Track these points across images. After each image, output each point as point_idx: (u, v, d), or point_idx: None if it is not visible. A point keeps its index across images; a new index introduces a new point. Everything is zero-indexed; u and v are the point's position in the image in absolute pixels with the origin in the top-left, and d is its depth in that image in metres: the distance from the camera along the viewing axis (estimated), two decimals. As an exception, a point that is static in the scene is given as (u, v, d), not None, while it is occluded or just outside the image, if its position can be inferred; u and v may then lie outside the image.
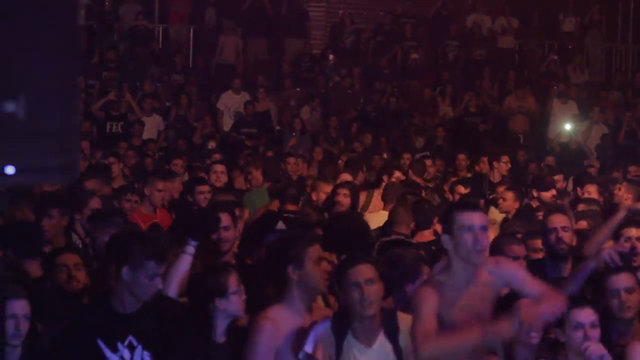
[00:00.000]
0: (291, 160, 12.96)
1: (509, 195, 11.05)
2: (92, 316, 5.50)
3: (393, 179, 11.36)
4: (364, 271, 5.25)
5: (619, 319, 6.02)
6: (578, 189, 11.56)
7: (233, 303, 5.52)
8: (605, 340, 5.73)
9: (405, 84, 20.61)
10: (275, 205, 10.30)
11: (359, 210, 10.60)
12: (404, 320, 5.43)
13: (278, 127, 19.03)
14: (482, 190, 12.97)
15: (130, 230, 6.65)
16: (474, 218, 5.17)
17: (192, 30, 21.63)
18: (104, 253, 6.68)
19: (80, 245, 8.45)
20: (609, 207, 10.02)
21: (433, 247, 8.12)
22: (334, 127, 18.29)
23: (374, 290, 5.24)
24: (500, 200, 11.03)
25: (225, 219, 6.85)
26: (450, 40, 21.50)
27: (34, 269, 6.87)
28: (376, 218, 9.87)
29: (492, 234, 6.60)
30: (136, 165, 13.93)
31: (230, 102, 18.77)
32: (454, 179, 12.33)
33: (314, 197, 10.38)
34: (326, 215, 9.16)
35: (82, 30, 18.45)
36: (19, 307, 5.33)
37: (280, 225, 7.59)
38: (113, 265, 5.60)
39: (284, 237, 6.06)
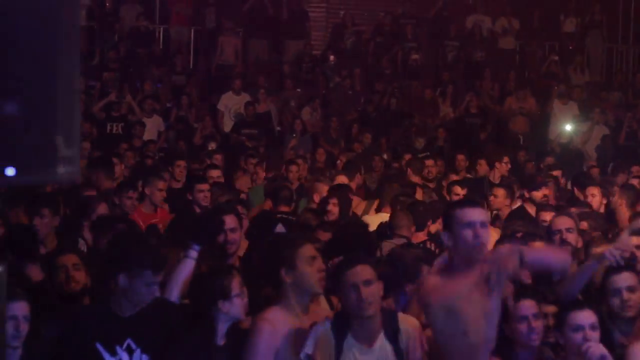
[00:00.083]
0: (293, 168, 12.94)
1: (500, 192, 11.08)
2: (90, 319, 5.50)
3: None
4: (362, 272, 5.25)
5: (621, 318, 6.02)
6: (576, 189, 11.56)
7: (235, 306, 5.51)
8: (607, 340, 5.73)
9: (406, 85, 20.60)
10: (267, 204, 10.30)
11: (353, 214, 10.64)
12: (404, 320, 5.42)
13: (278, 128, 19.03)
14: (483, 192, 12.95)
15: (129, 236, 6.61)
16: (473, 214, 5.16)
17: (192, 31, 21.63)
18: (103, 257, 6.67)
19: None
20: (609, 212, 10.04)
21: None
22: (334, 128, 18.29)
23: (372, 291, 5.23)
24: (492, 197, 11.05)
25: (231, 220, 6.83)
26: (450, 40, 21.49)
27: (35, 273, 6.87)
28: (373, 220, 9.87)
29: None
30: (136, 165, 13.93)
31: (231, 103, 18.76)
32: (451, 180, 12.29)
33: (315, 198, 10.37)
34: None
35: (82, 31, 18.43)
36: (19, 308, 5.32)
37: (280, 228, 7.58)
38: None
39: (275, 240, 6.05)
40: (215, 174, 11.60)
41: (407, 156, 14.93)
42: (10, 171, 3.11)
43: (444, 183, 13.04)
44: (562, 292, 6.19)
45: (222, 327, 5.53)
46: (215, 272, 5.72)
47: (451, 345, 5.17)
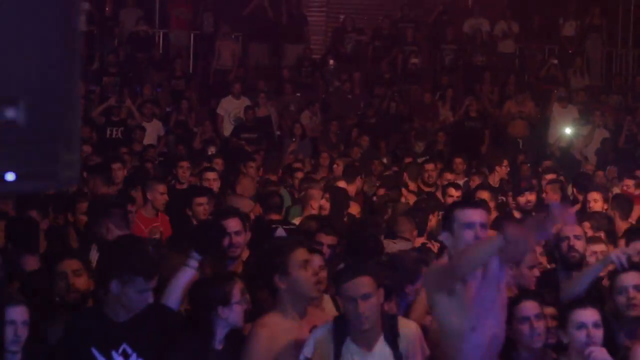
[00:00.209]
0: (299, 175, 12.93)
1: (485, 194, 11.05)
2: (85, 324, 5.50)
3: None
4: (361, 285, 5.18)
5: (626, 317, 6.01)
6: (575, 190, 11.56)
7: (235, 313, 5.51)
8: (611, 342, 5.73)
9: (406, 89, 20.61)
10: (257, 209, 10.28)
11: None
12: (404, 325, 5.42)
13: (278, 132, 19.03)
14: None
15: (122, 242, 6.62)
16: (474, 215, 5.15)
17: (192, 35, 21.64)
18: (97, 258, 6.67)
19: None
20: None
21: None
22: (334, 132, 18.29)
23: (370, 305, 5.18)
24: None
25: (235, 223, 6.82)
26: (447, 44, 21.48)
27: (31, 262, 6.88)
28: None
29: None
30: (135, 169, 13.91)
31: (231, 107, 18.76)
32: (445, 182, 12.26)
33: (312, 204, 10.31)
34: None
35: (82, 35, 18.43)
36: (18, 313, 5.32)
37: (280, 232, 7.56)
38: None
39: (267, 247, 6.04)
40: (211, 176, 11.59)
41: (408, 160, 14.95)
42: (10, 176, 3.10)
43: (439, 182, 13.02)
44: (566, 293, 6.20)
45: (221, 333, 5.53)
46: (216, 278, 5.72)
47: (459, 343, 5.17)
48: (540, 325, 5.75)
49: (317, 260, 6.39)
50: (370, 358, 5.26)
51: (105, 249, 6.13)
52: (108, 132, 17.51)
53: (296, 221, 9.57)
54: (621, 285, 6.08)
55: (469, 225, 5.11)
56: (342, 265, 5.36)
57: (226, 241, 6.68)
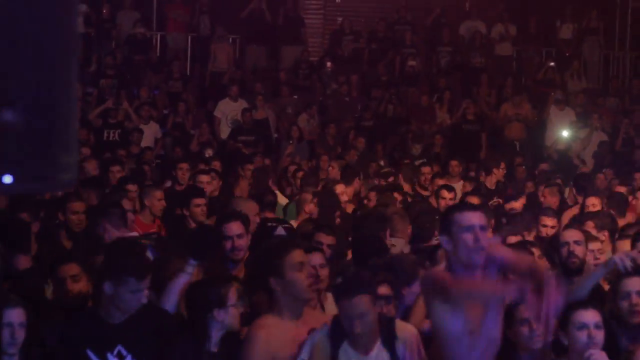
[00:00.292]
0: (300, 174, 12.92)
1: (474, 200, 11.04)
2: (80, 326, 5.51)
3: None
4: (358, 305, 5.15)
5: (629, 323, 6.00)
6: (574, 191, 11.55)
7: (230, 315, 5.52)
8: (613, 345, 5.73)
9: (403, 91, 20.60)
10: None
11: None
12: (401, 328, 5.41)
13: (275, 135, 19.02)
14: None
15: (115, 244, 6.63)
16: (473, 217, 5.12)
17: (189, 38, 21.64)
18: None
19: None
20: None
21: None
22: (332, 134, 18.28)
23: (367, 323, 5.18)
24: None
25: (237, 227, 6.83)
26: (443, 46, 21.48)
27: (23, 262, 6.89)
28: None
29: None
30: (133, 172, 13.89)
31: (228, 110, 18.75)
32: (439, 181, 12.23)
33: (306, 209, 10.27)
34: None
35: (79, 37, 18.43)
36: (15, 315, 5.32)
37: (280, 230, 7.55)
38: None
39: (263, 248, 6.04)
40: (205, 179, 11.59)
41: (406, 162, 14.97)
42: (7, 179, 3.10)
43: (430, 188, 12.99)
44: (569, 297, 6.18)
45: (216, 335, 5.53)
46: (213, 280, 5.72)
47: (456, 346, 5.16)
48: (539, 327, 5.74)
49: (317, 258, 6.41)
50: (368, 361, 5.26)
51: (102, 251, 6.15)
52: (105, 134, 17.50)
53: (293, 223, 9.56)
54: (624, 290, 6.06)
55: (469, 228, 5.08)
56: (339, 280, 5.28)
57: (229, 244, 6.69)
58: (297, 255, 5.51)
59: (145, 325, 5.47)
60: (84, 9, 19.47)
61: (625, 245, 7.52)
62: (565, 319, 5.68)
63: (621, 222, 9.52)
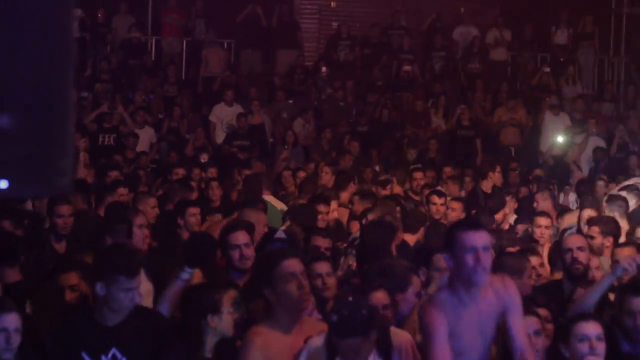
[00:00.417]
0: (301, 174, 12.88)
1: (457, 205, 11.04)
2: (75, 329, 5.51)
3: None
4: (351, 346, 4.98)
5: (633, 338, 5.97)
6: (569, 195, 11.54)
7: (224, 322, 5.51)
8: (614, 351, 5.73)
9: (398, 96, 20.61)
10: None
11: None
12: (397, 335, 5.40)
13: (271, 140, 19.02)
14: (478, 203, 12.97)
15: (105, 247, 6.63)
16: (475, 238, 5.07)
17: (184, 42, 21.64)
18: None
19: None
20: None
21: None
22: (327, 139, 18.27)
23: (363, 354, 5.11)
24: (449, 211, 10.96)
25: (243, 236, 6.81)
26: (437, 51, 21.48)
27: (12, 275, 6.87)
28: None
29: None
30: (128, 177, 13.88)
31: (223, 115, 18.75)
32: (429, 190, 12.21)
33: None
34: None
35: (75, 42, 18.44)
36: (10, 320, 5.31)
37: (280, 234, 7.52)
38: None
39: (259, 257, 6.02)
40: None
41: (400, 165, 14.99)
42: (2, 184, 3.10)
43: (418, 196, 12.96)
44: (578, 309, 6.15)
45: (211, 341, 5.53)
46: (208, 286, 5.72)
47: None
48: (538, 342, 5.74)
49: (324, 267, 6.41)
50: (364, 370, 5.22)
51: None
52: (100, 139, 17.49)
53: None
54: (630, 308, 5.96)
55: (471, 250, 5.05)
56: (334, 317, 5.11)
57: (236, 254, 6.68)
58: (287, 266, 5.43)
59: (140, 328, 5.47)
60: (79, 14, 19.47)
61: (624, 252, 7.48)
62: (566, 331, 5.67)
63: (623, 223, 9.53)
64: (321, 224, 9.78)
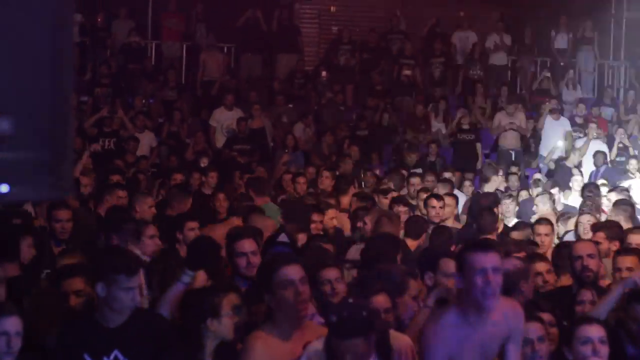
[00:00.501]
0: (301, 179, 12.85)
1: (450, 200, 11.07)
2: (77, 330, 5.51)
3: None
4: (350, 347, 5.00)
5: (638, 342, 5.97)
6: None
7: (224, 325, 5.50)
8: (621, 354, 5.72)
9: (398, 101, 20.63)
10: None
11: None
12: (396, 339, 5.39)
13: (271, 144, 19.03)
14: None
15: (103, 248, 6.65)
16: (485, 260, 5.03)
17: (184, 46, 21.66)
18: None
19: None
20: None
21: None
22: (327, 144, 18.27)
23: (362, 357, 5.11)
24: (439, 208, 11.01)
25: (250, 244, 6.79)
26: (435, 57, 21.48)
27: (11, 270, 6.88)
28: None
29: None
30: (128, 181, 13.89)
31: (223, 119, 18.76)
32: (427, 193, 12.19)
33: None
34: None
35: (74, 46, 18.45)
36: (11, 324, 5.30)
37: (283, 237, 7.52)
38: None
39: (260, 263, 6.02)
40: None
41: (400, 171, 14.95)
42: (3, 188, 3.10)
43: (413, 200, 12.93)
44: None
45: (210, 345, 5.52)
46: (207, 290, 5.72)
47: None
48: (542, 348, 5.73)
49: (333, 273, 6.41)
50: (363, 374, 5.21)
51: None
52: (100, 143, 17.50)
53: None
54: (635, 316, 5.97)
55: (480, 271, 5.01)
56: (334, 317, 5.12)
57: (243, 262, 6.67)
58: (286, 272, 5.39)
59: (142, 330, 5.47)
60: (78, 18, 19.49)
61: (626, 261, 7.44)
62: (569, 334, 5.67)
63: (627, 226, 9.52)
64: (314, 232, 9.74)
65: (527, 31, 22.44)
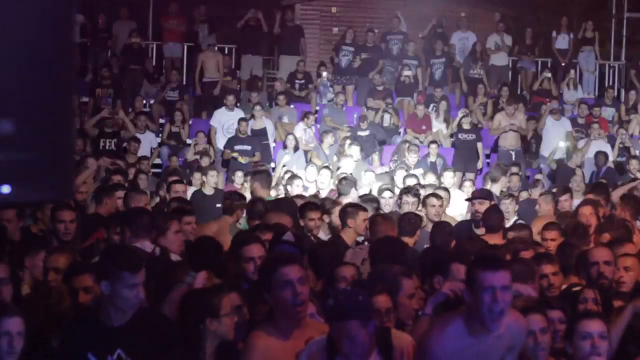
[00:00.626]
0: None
1: (443, 194, 11.08)
2: (81, 330, 5.51)
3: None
4: (347, 329, 5.03)
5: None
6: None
7: (223, 325, 5.51)
8: (623, 351, 5.73)
9: (399, 101, 20.64)
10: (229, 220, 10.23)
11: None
12: (398, 338, 5.40)
13: (273, 145, 19.03)
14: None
15: (107, 247, 6.65)
16: (494, 278, 5.01)
17: (185, 47, 21.67)
18: None
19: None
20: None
21: None
22: (328, 144, 18.27)
23: (357, 345, 5.12)
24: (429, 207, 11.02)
25: (258, 249, 6.80)
26: (436, 58, 21.49)
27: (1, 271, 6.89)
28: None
29: None
30: (129, 181, 13.90)
31: (224, 119, 18.76)
32: (428, 193, 12.18)
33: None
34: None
35: (76, 47, 18.46)
36: (13, 324, 5.32)
37: (288, 235, 7.49)
38: None
39: (262, 261, 6.04)
40: (180, 188, 11.50)
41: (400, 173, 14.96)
42: (5, 189, 3.11)
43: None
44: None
45: (210, 344, 5.53)
46: (207, 290, 5.72)
47: None
48: (544, 340, 5.72)
49: (348, 271, 6.54)
50: (364, 372, 5.23)
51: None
52: (102, 143, 17.52)
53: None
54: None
55: (488, 289, 4.98)
56: (331, 301, 5.17)
57: (251, 267, 6.68)
58: (285, 272, 5.39)
59: (146, 329, 5.47)
60: (80, 19, 19.51)
61: (627, 262, 7.42)
62: (570, 329, 5.67)
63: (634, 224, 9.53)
64: (315, 232, 9.73)
65: (528, 31, 22.45)
